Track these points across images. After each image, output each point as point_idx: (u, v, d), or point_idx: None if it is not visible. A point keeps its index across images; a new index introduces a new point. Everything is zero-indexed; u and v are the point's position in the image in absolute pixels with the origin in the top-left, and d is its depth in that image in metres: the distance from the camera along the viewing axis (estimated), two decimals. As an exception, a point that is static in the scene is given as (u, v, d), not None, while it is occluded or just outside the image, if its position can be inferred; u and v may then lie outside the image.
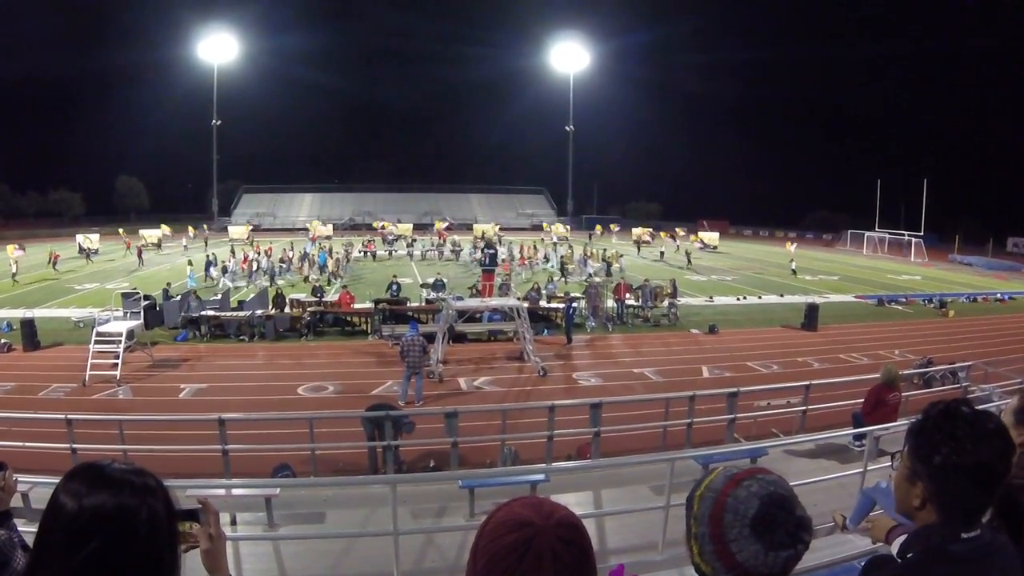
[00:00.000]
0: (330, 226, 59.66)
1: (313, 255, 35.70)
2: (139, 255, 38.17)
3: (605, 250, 39.17)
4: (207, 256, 33.99)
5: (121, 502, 1.20)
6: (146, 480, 1.27)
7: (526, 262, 37.22)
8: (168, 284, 24.61)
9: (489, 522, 1.16)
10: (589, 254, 37.99)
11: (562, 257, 36.56)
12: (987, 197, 65.70)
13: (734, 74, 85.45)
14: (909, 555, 1.63)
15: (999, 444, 1.60)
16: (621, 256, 36.73)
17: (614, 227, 59.46)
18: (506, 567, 1.08)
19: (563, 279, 31.31)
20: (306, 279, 31.36)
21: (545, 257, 39.28)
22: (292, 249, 36.99)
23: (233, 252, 36.09)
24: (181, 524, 1.48)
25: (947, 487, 1.61)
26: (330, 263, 33.95)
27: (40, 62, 67.20)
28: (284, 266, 34.05)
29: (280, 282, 30.23)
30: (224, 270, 30.60)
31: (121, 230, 47.83)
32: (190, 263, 31.37)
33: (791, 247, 42.98)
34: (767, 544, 1.25)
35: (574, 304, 21.53)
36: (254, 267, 31.82)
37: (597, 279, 28.69)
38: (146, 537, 1.21)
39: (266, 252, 36.76)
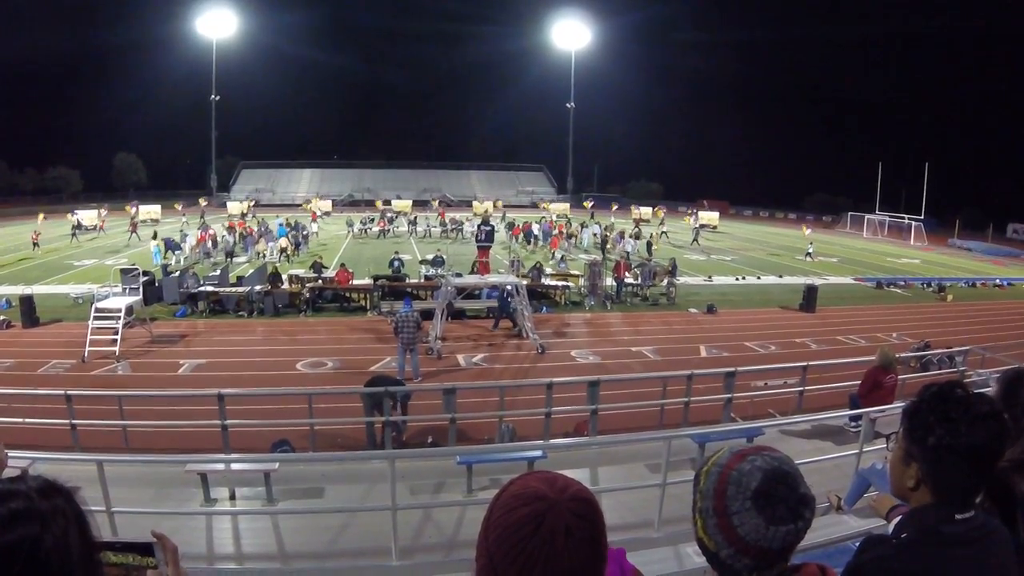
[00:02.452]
0: (329, 202, 59.42)
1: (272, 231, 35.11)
2: (134, 230, 37.86)
3: (639, 227, 38.67)
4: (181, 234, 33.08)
5: (18, 534, 0.94)
6: (51, 501, 1.00)
7: (565, 239, 36.62)
8: (168, 259, 24.42)
9: (502, 495, 1.14)
10: (631, 233, 37.23)
11: (604, 235, 35.88)
12: (988, 183, 65.18)
13: (736, 54, 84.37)
14: (903, 535, 1.64)
15: (993, 426, 1.61)
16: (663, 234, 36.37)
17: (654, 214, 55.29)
18: (518, 540, 1.06)
19: (603, 258, 29.25)
20: (259, 255, 30.77)
21: (568, 234, 38.81)
22: (262, 225, 36.23)
23: (205, 228, 35.13)
24: (125, 557, 1.26)
25: (941, 469, 1.62)
26: (286, 240, 32.44)
27: (38, 38, 66.17)
28: (242, 243, 32.73)
29: (240, 258, 30.18)
30: (175, 248, 29.86)
31: (75, 212, 45.15)
32: (154, 237, 31.12)
33: (807, 231, 41.92)
34: (768, 518, 1.26)
35: (508, 293, 19.29)
36: (209, 245, 31.35)
37: (595, 258, 28.39)
38: (58, 573, 0.97)
39: (230, 228, 35.67)
